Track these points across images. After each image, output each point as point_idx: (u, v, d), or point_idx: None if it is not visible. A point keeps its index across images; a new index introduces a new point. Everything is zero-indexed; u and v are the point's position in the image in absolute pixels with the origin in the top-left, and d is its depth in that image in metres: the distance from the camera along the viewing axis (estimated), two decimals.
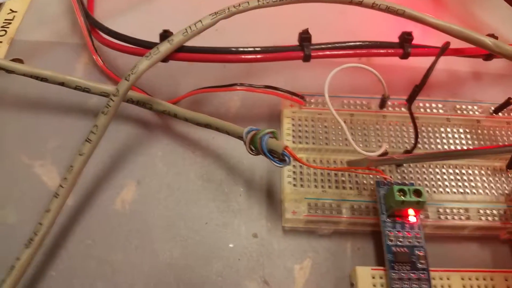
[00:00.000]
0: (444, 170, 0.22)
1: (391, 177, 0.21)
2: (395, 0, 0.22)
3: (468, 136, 0.23)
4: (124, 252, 0.20)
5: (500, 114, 0.23)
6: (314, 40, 0.23)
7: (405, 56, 0.23)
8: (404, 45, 0.23)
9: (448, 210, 0.21)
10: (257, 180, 0.22)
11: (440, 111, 0.23)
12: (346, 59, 0.23)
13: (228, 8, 0.22)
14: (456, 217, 0.20)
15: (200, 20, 0.22)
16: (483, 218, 0.20)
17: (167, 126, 0.24)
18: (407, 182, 0.21)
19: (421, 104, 0.23)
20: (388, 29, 0.25)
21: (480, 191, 0.21)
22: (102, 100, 0.22)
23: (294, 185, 0.21)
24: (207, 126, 0.22)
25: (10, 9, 0.26)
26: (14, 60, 0.24)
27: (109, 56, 0.25)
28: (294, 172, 0.21)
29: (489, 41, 0.23)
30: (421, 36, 0.24)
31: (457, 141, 0.22)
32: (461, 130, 0.23)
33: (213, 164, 0.22)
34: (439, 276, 0.19)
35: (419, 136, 0.22)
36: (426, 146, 0.22)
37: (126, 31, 0.23)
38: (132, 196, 0.22)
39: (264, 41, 0.24)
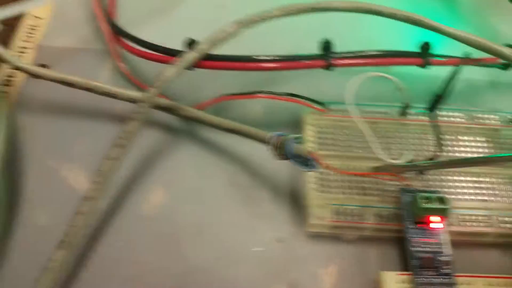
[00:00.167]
0: (465, 178, 0.22)
1: (414, 184, 0.21)
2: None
3: (488, 144, 0.23)
4: (152, 256, 0.20)
5: None
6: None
7: (425, 65, 0.24)
8: (425, 54, 0.23)
9: (469, 217, 0.21)
10: (281, 185, 0.22)
11: (460, 119, 0.24)
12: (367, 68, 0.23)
13: (252, 17, 0.23)
14: (477, 224, 0.21)
15: (226, 29, 0.22)
16: (504, 225, 0.21)
17: (193, 131, 0.24)
18: (430, 190, 0.21)
19: (441, 113, 0.24)
20: (399, 37, 0.26)
21: (500, 198, 0.22)
22: (127, 105, 0.23)
23: (319, 190, 0.21)
24: (233, 131, 0.22)
25: (35, 16, 0.27)
26: (40, 65, 0.25)
27: (131, 62, 0.25)
28: (318, 178, 0.21)
29: (507, 51, 0.23)
30: None
31: (477, 150, 0.23)
32: (481, 139, 0.23)
33: (239, 169, 0.23)
34: (463, 281, 0.19)
35: (441, 145, 0.22)
36: (447, 154, 0.22)
37: (147, 38, 0.24)
38: (159, 200, 0.22)
39: (279, 48, 0.24)
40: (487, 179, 0.22)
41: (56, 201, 0.21)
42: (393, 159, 0.21)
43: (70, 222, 0.19)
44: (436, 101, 0.22)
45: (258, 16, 0.23)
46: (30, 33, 0.26)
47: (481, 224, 0.21)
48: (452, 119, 0.24)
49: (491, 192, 0.22)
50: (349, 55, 0.23)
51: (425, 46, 0.23)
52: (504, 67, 0.25)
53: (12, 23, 0.27)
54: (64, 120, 0.24)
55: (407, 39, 0.25)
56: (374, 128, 0.23)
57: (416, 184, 0.22)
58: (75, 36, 0.27)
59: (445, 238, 0.20)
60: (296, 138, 0.20)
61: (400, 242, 0.21)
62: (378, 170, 0.21)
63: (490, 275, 0.19)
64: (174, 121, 0.24)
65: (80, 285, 0.20)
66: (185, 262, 0.20)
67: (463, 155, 0.23)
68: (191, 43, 0.22)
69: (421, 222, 0.20)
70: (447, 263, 0.20)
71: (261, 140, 0.21)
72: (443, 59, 0.23)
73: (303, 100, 0.23)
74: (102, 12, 0.27)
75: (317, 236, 0.21)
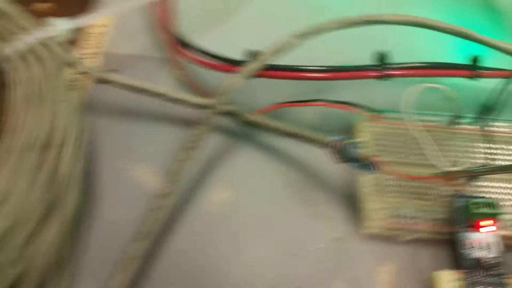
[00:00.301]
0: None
1: (465, 190, 0.23)
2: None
3: None
4: (214, 249, 0.22)
5: None
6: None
7: (475, 77, 0.25)
8: (474, 67, 0.25)
9: None
10: (337, 187, 0.24)
11: (509, 129, 0.25)
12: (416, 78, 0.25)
13: (311, 29, 0.24)
14: None
15: (287, 40, 0.24)
16: None
17: (252, 136, 0.25)
18: (481, 196, 0.22)
19: (490, 123, 0.25)
20: (447, 48, 0.27)
21: None
22: (187, 110, 0.24)
23: (375, 193, 0.22)
24: (293, 136, 0.23)
25: (102, 24, 0.29)
26: (109, 71, 0.26)
27: (188, 70, 0.27)
28: (374, 181, 0.23)
29: None
30: None
31: None
32: None
33: (296, 172, 0.24)
34: None
35: (491, 153, 0.24)
36: (496, 163, 0.24)
37: (203, 46, 0.26)
38: (222, 199, 0.23)
39: (326, 58, 0.25)
40: None
41: (125, 199, 0.23)
42: (446, 166, 0.22)
43: (145, 217, 0.21)
44: (486, 111, 0.24)
45: (316, 28, 0.24)
46: (94, 40, 0.28)
47: None
48: (501, 129, 0.25)
49: None
50: (402, 66, 0.25)
51: (475, 59, 0.24)
52: None
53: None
54: (128, 123, 0.25)
55: (455, 50, 0.27)
56: (426, 136, 0.24)
57: (468, 190, 0.23)
58: (135, 44, 0.28)
59: (495, 241, 0.21)
60: (356, 142, 0.21)
61: (452, 244, 0.22)
62: (433, 176, 0.23)
63: None
64: (234, 125, 0.25)
65: (153, 277, 0.21)
66: (247, 256, 0.22)
67: None
68: (252, 54, 0.24)
69: (472, 225, 0.21)
70: (497, 264, 0.21)
71: (321, 144, 0.22)
72: (493, 72, 0.24)
73: (357, 108, 0.25)
74: (161, 21, 0.28)
75: (372, 237, 0.22)
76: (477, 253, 0.21)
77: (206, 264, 0.22)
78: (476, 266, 0.21)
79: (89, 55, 0.27)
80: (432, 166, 0.23)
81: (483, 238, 0.21)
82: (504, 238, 0.22)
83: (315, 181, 0.24)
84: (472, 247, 0.21)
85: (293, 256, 0.22)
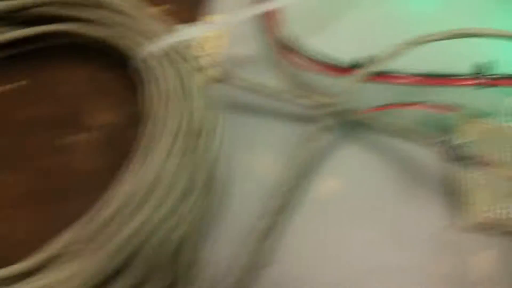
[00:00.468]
0: None
1: None
2: None
3: None
4: (328, 236, 0.25)
5: None
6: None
7: None
8: None
9: None
10: (440, 182, 0.26)
11: None
12: None
13: (419, 39, 0.26)
14: None
15: (400, 46, 0.26)
16: None
17: (359, 134, 0.28)
18: None
19: None
20: None
21: None
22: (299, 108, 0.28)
23: (478, 188, 0.25)
24: (401, 134, 0.26)
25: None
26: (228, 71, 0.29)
27: (295, 73, 0.30)
28: (478, 178, 0.25)
29: None
30: None
31: None
32: None
33: (402, 169, 0.27)
34: None
35: None
36: None
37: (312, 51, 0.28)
38: (332, 190, 0.27)
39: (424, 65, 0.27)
40: None
41: (248, 181, 0.27)
42: None
43: (269, 202, 0.24)
44: None
45: (423, 38, 0.26)
46: (211, 42, 0.31)
47: None
48: None
49: None
50: (500, 76, 0.27)
51: None
52: None
53: None
54: (245, 117, 0.29)
55: None
56: None
57: None
58: (246, 47, 0.31)
59: None
60: (463, 142, 0.23)
61: None
62: None
63: None
64: (342, 123, 0.28)
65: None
66: (353, 241, 0.25)
67: None
68: (364, 60, 0.27)
69: None
70: None
71: (428, 143, 0.25)
72: None
73: (458, 109, 0.27)
74: (269, 25, 0.31)
75: (474, 228, 0.25)
76: None
77: (318, 246, 0.25)
78: None
79: (207, 56, 0.30)
80: None
81: None
82: None
83: (418, 176, 0.27)
84: None
85: (397, 244, 0.25)
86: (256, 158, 0.27)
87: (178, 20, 0.29)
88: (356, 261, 0.25)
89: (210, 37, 0.31)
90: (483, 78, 0.26)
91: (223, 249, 0.25)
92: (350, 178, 0.27)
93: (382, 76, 0.27)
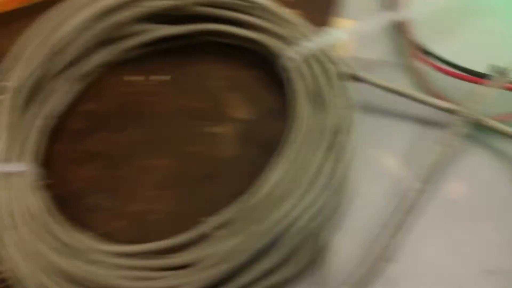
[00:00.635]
0: None
1: None
2: None
3: None
4: (455, 232, 0.26)
5: None
6: None
7: None
8: None
9: None
10: None
11: None
12: None
13: None
14: None
15: None
16: None
17: (486, 139, 0.29)
18: None
19: None
20: None
21: None
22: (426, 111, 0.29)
23: None
24: None
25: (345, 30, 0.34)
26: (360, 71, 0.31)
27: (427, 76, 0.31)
28: None
29: None
30: None
31: None
32: None
33: None
34: None
35: None
36: None
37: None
38: (459, 191, 0.28)
39: None
40: None
41: (377, 178, 0.29)
42: None
43: (400, 202, 0.26)
44: None
45: None
46: (344, 44, 0.33)
47: None
48: None
49: None
50: None
51: None
52: None
53: None
54: (375, 117, 0.30)
55: None
56: None
57: None
58: (375, 49, 0.33)
59: None
60: None
61: None
62: None
63: None
64: (472, 128, 0.29)
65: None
66: (480, 242, 0.27)
67: None
68: (499, 69, 0.27)
69: None
70: None
71: None
72: None
73: None
74: (402, 28, 0.32)
75: None
76: None
77: (441, 246, 0.26)
78: None
79: (341, 58, 0.32)
80: None
81: None
82: None
83: None
84: None
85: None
86: (385, 158, 0.29)
87: (312, 24, 0.31)
88: (478, 263, 0.26)
89: (342, 39, 0.33)
90: None
91: (349, 242, 0.27)
92: (477, 182, 0.28)
93: None
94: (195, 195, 0.30)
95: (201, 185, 0.30)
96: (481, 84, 0.27)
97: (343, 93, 0.27)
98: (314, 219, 0.25)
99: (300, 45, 0.28)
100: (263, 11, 0.28)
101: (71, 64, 0.31)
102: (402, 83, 0.31)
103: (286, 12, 0.28)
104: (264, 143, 0.30)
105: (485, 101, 0.28)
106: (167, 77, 0.33)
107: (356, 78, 0.29)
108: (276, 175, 0.25)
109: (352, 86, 0.30)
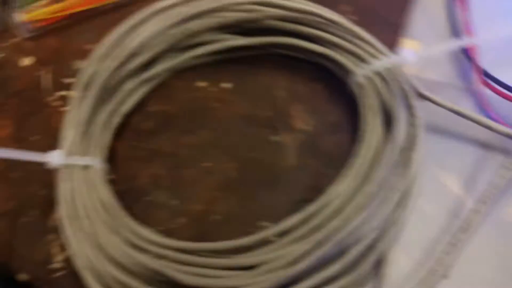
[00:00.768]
0: None
1: None
2: None
3: None
4: None
5: None
6: None
7: None
8: None
9: None
10: None
11: None
12: None
13: None
14: None
15: None
16: None
17: None
18: None
19: None
20: None
21: None
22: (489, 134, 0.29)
23: None
24: None
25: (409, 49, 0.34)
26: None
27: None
28: None
29: None
30: None
31: None
32: None
33: None
34: None
35: None
36: None
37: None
38: None
39: None
40: None
41: (435, 196, 0.29)
42: None
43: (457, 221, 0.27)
44: None
45: None
46: (408, 65, 0.34)
47: None
48: None
49: None
50: None
51: None
52: None
53: None
54: (437, 135, 0.31)
55: None
56: None
57: None
58: (440, 71, 0.34)
59: None
60: None
61: None
62: None
63: None
64: None
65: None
66: None
67: None
68: None
69: None
70: None
71: None
72: None
73: None
74: (468, 53, 0.33)
75: None
76: None
77: (494, 267, 0.27)
78: None
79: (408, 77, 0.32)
80: None
81: None
82: None
83: None
84: None
85: None
86: (444, 177, 0.30)
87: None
88: None
89: (409, 59, 0.33)
90: None
91: (405, 255, 0.28)
92: None
93: None
94: (254, 200, 0.31)
95: (259, 190, 0.31)
96: None
97: (411, 111, 0.28)
98: (377, 231, 0.26)
99: (372, 63, 0.29)
100: (337, 28, 0.29)
101: (143, 66, 0.32)
102: (465, 106, 0.31)
103: (359, 30, 0.29)
104: (323, 155, 0.31)
105: None
106: (232, 85, 0.35)
107: (423, 98, 0.30)
108: (343, 186, 0.26)
109: (418, 105, 0.31)
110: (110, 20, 0.38)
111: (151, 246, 0.27)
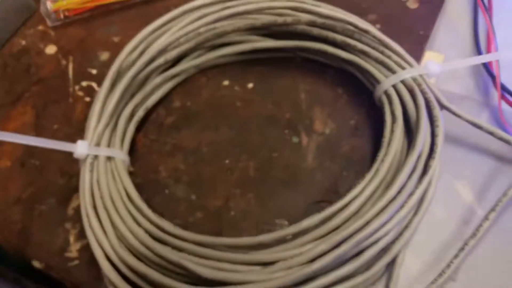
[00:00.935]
0: None
1: None
2: None
3: None
4: None
5: None
6: None
7: None
8: None
9: None
10: None
11: None
12: None
13: None
14: None
15: None
16: None
17: None
18: None
19: None
20: None
21: None
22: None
23: None
24: None
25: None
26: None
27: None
28: None
29: None
30: None
31: None
32: None
33: None
34: None
35: None
36: None
37: None
38: None
39: None
40: None
41: (447, 202, 0.30)
42: None
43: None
44: None
45: None
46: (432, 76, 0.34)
47: None
48: None
49: None
50: None
51: None
52: None
53: None
54: (453, 146, 0.32)
55: None
56: None
57: None
58: (461, 84, 0.34)
59: None
60: None
61: None
62: None
63: None
64: None
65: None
66: None
67: None
68: None
69: None
70: None
71: None
72: None
73: None
74: (489, 67, 0.33)
75: None
76: None
77: (499, 272, 0.28)
78: None
79: (432, 88, 0.33)
80: None
81: None
82: None
83: None
84: None
85: None
86: (457, 185, 0.30)
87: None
88: None
89: (433, 71, 0.34)
90: None
91: (414, 257, 0.29)
92: None
93: None
94: (271, 198, 0.31)
95: (277, 189, 0.32)
96: None
97: (434, 122, 0.29)
98: (392, 234, 0.26)
99: (399, 73, 0.29)
100: (366, 36, 0.30)
101: (170, 63, 0.33)
102: (482, 119, 0.32)
103: (388, 40, 0.30)
104: (341, 158, 0.32)
105: None
106: (256, 85, 0.35)
107: (444, 109, 0.31)
108: (365, 191, 0.26)
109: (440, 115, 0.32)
110: (135, 14, 0.39)
111: (171, 238, 0.27)
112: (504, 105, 0.32)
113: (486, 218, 0.28)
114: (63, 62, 0.38)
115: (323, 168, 0.32)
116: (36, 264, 0.30)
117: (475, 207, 0.30)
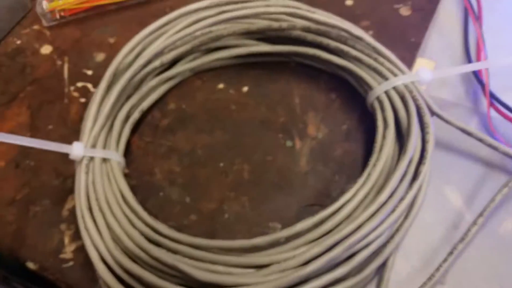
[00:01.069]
0: None
1: None
2: None
3: None
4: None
5: None
6: None
7: None
8: None
9: None
10: None
11: None
12: None
13: None
14: None
15: None
16: None
17: None
18: None
19: None
20: None
21: None
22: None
23: None
24: None
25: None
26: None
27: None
28: None
29: None
30: None
31: None
32: None
33: None
34: None
35: None
36: None
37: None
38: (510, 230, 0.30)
39: None
40: None
41: (436, 207, 0.31)
42: None
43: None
44: None
45: None
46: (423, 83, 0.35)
47: None
48: None
49: None
50: None
51: None
52: None
53: None
54: (442, 151, 0.32)
55: None
56: None
57: None
58: (451, 92, 0.35)
59: None
60: None
61: None
62: None
63: None
64: None
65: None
66: None
67: None
68: None
69: None
70: None
71: None
72: None
73: None
74: (478, 75, 0.34)
75: None
76: None
77: (487, 276, 0.28)
78: None
79: (423, 94, 0.33)
80: None
81: None
82: None
83: None
84: None
85: None
86: (446, 190, 0.31)
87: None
88: None
89: (424, 78, 0.35)
90: None
91: (404, 261, 0.29)
92: None
93: None
94: (265, 201, 0.32)
95: (271, 193, 0.32)
96: None
97: (425, 128, 0.29)
98: (383, 238, 0.27)
99: (391, 79, 0.30)
100: (360, 43, 0.30)
101: (166, 65, 0.33)
102: (471, 126, 0.33)
103: (381, 47, 0.31)
104: (334, 162, 0.33)
105: None
106: (250, 89, 0.36)
107: (434, 115, 0.31)
108: (357, 195, 0.27)
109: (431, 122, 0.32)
110: (131, 15, 0.39)
111: (166, 240, 0.28)
112: (493, 113, 0.33)
113: (474, 223, 0.29)
114: (59, 62, 0.38)
115: (316, 172, 0.32)
116: (31, 265, 0.31)
117: (463, 212, 0.30)
